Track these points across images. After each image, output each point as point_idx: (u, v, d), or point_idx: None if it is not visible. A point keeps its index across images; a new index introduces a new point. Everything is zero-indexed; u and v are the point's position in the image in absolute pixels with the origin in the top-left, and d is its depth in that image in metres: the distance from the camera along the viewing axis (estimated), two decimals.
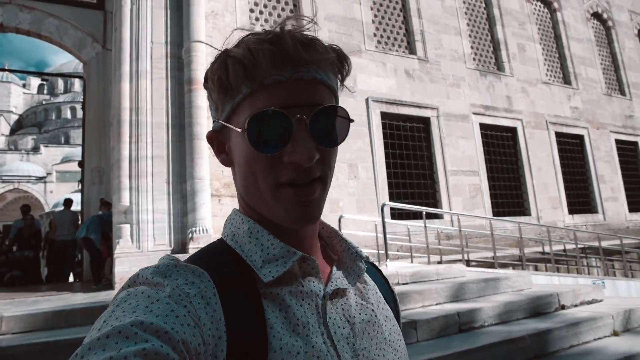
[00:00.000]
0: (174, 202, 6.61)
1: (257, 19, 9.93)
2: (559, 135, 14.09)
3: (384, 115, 10.54)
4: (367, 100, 10.34)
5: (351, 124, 0.68)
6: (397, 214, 10.07)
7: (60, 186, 43.68)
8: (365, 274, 0.76)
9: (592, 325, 4.46)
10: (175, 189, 6.65)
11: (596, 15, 17.35)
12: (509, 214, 12.05)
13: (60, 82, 61.61)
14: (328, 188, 0.68)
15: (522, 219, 11.79)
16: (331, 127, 0.64)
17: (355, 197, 9.69)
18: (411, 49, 11.83)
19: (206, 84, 0.70)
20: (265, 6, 10.11)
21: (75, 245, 9.43)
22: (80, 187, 12.81)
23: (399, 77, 11.14)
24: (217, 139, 0.71)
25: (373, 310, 0.72)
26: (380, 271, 0.87)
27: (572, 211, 13.58)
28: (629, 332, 4.75)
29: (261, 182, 0.64)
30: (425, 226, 8.29)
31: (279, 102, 0.61)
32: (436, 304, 4.95)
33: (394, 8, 11.96)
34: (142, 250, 6.20)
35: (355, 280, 0.72)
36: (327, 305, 0.67)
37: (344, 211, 9.15)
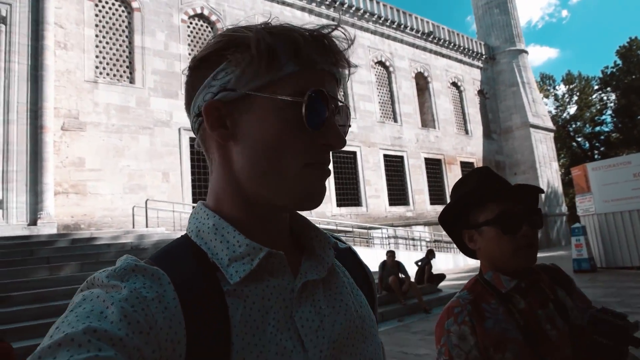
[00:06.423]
0: (31, 197, 11.31)
1: (100, 73, 14.69)
2: (334, 152, 20.03)
3: (191, 140, 15.71)
4: (179, 129, 15.48)
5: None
6: None
7: None
8: (337, 261, 0.76)
9: None
10: (32, 189, 11.35)
11: (380, 63, 23.80)
12: None
13: None
14: None
15: None
16: (343, 123, 0.71)
17: (166, 194, 14.77)
18: None
19: (235, 49, 0.64)
20: (107, 63, 14.91)
21: None
22: None
23: None
24: (219, 111, 0.65)
25: (342, 299, 0.71)
26: (355, 254, 0.85)
27: (340, 204, 19.70)
28: None
29: (290, 160, 0.63)
30: None
31: (323, 88, 0.64)
32: None
33: None
34: (10, 224, 10.89)
35: (326, 269, 0.70)
36: (296, 299, 0.65)
37: (158, 206, 14.15)
